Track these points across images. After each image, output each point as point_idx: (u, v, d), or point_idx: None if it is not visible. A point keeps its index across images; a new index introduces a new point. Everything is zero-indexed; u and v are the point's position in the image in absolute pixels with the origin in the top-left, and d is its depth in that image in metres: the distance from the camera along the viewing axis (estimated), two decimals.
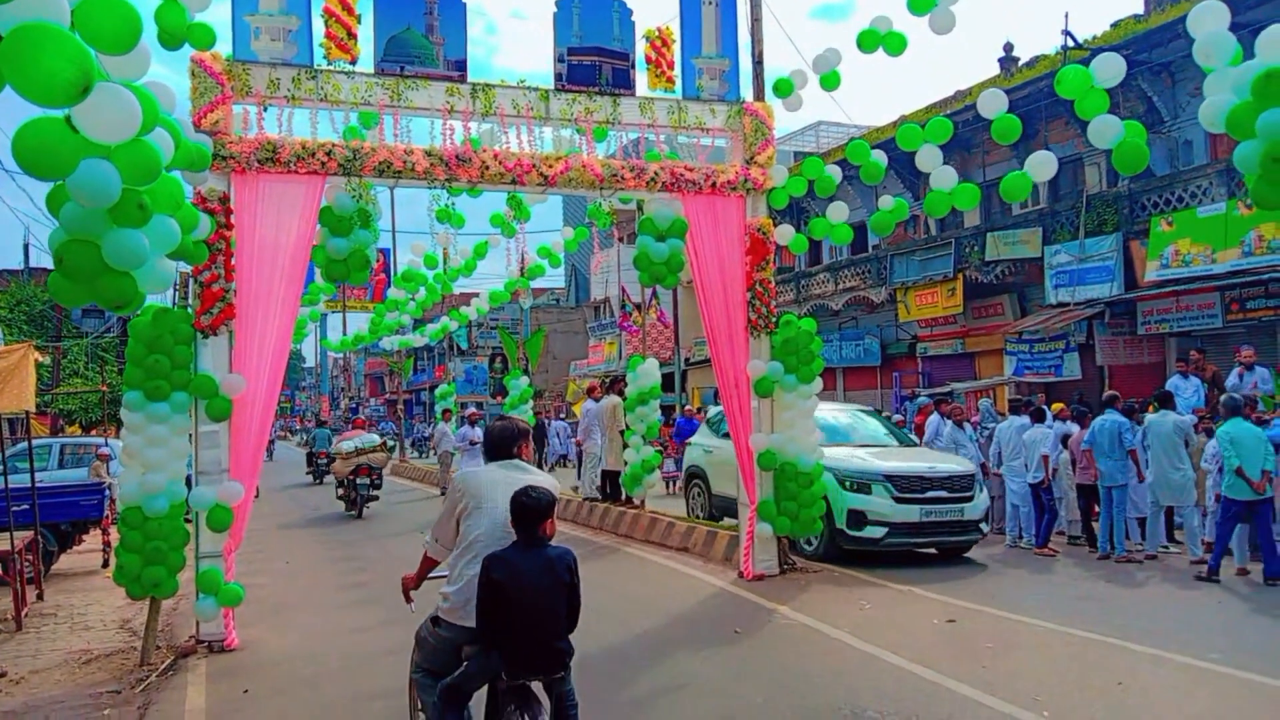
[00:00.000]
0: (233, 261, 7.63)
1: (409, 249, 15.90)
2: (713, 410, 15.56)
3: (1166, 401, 10.68)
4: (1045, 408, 12.13)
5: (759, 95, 11.34)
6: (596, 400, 16.01)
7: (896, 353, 25.29)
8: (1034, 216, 20.11)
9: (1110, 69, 6.78)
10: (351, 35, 8.06)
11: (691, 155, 9.97)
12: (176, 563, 7.24)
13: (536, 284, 18.25)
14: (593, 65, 9.15)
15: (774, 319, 9.87)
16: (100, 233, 4.93)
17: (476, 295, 19.71)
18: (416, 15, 8.48)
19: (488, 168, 8.55)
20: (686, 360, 30.47)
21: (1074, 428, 11.64)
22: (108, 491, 11.64)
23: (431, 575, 4.43)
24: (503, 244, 13.87)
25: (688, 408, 22.05)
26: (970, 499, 10.47)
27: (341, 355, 77.57)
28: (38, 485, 10.10)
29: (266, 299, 7.77)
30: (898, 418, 17.64)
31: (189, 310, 7.70)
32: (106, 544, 11.83)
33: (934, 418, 13.47)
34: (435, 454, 23.81)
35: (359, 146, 8.14)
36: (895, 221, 10.30)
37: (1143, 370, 17.94)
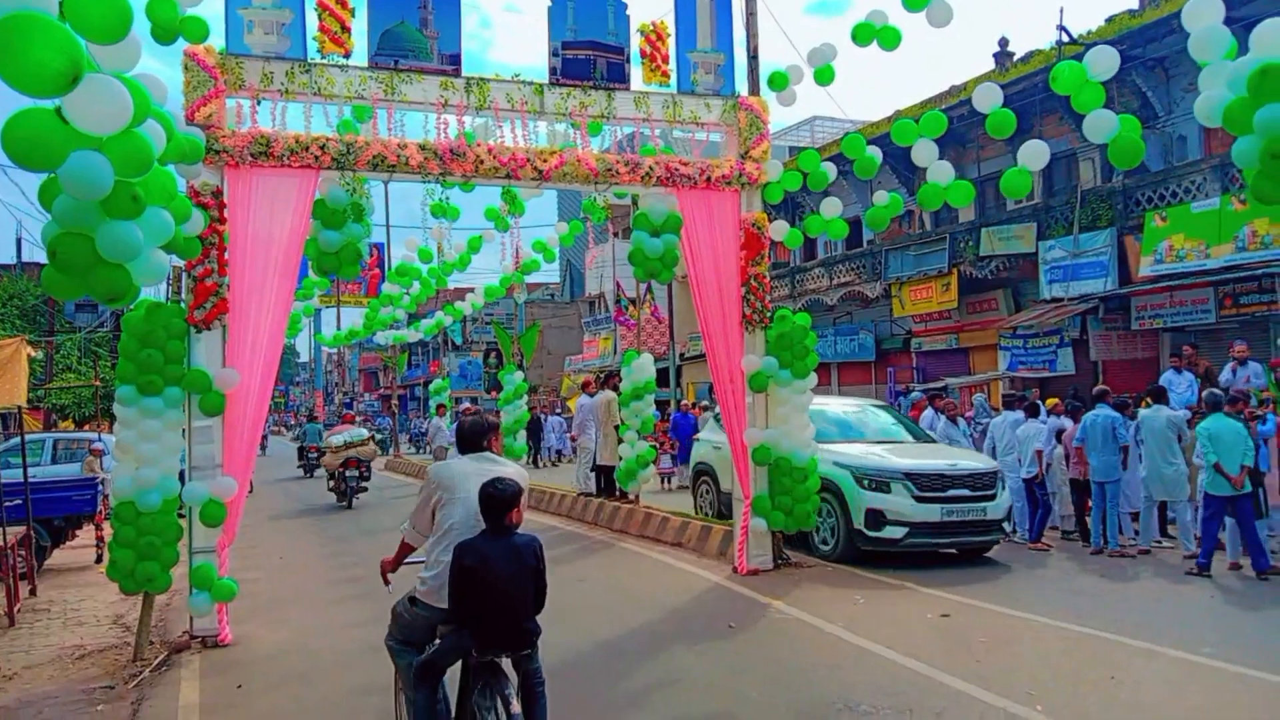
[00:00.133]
0: (226, 256, 7.60)
1: (403, 244, 15.86)
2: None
3: (1160, 396, 10.70)
4: (1039, 403, 12.15)
5: (754, 90, 11.34)
6: (591, 395, 16.00)
7: (891, 348, 25.32)
8: (1028, 212, 20.13)
9: (1104, 61, 6.78)
10: (345, 29, 8.03)
11: (686, 150, 9.96)
12: (170, 558, 7.23)
13: (531, 279, 18.28)
14: (587, 59, 9.12)
15: (769, 314, 9.87)
16: (93, 225, 4.91)
17: (471, 290, 19.70)
18: (410, 9, 8.45)
19: (482, 162, 8.53)
20: (681, 355, 30.46)
21: (1068, 423, 11.65)
22: (101, 486, 11.61)
23: (408, 560, 4.68)
24: (497, 238, 13.85)
25: (684, 403, 22.03)
26: (993, 497, 10.12)
27: (336, 350, 77.44)
28: (30, 480, 10.06)
29: (260, 293, 7.75)
30: None
31: (182, 305, 7.67)
32: (100, 539, 11.80)
33: (928, 413, 13.49)
34: (430, 449, 23.87)
35: (353, 141, 8.12)
36: (890, 217, 10.32)
37: (1136, 365, 17.98)
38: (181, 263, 7.46)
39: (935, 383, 21.65)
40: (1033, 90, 18.43)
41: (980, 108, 8.18)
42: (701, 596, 9.00)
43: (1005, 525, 10.38)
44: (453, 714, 4.40)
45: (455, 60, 8.59)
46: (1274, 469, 10.16)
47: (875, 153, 9.86)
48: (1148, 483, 10.51)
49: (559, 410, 31.85)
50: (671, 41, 9.43)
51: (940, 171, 8.98)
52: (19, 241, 39.51)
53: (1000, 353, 20.83)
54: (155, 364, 7.17)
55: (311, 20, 7.96)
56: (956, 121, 17.68)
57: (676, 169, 9.36)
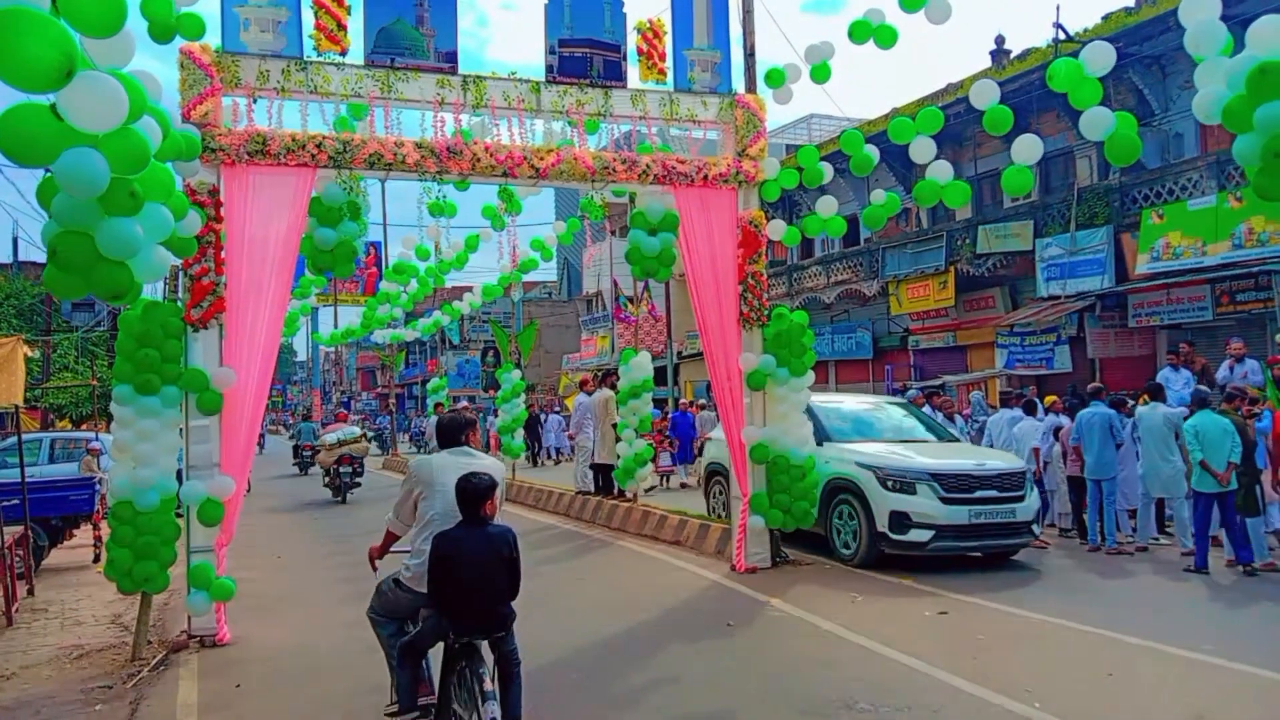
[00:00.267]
0: (222, 254, 7.59)
1: (400, 242, 15.85)
2: None
3: (1157, 394, 10.72)
4: (1036, 400, 12.16)
5: (751, 88, 11.35)
6: (589, 394, 16.00)
7: (888, 346, 25.33)
8: (1025, 209, 20.15)
9: (1101, 58, 6.78)
10: (341, 27, 8.02)
11: (683, 148, 9.96)
12: (167, 557, 7.22)
13: (528, 277, 18.27)
14: (584, 57, 9.12)
15: (766, 312, 9.87)
16: (93, 223, 4.91)
17: (469, 290, 19.68)
18: (407, 7, 8.44)
19: (479, 160, 8.52)
20: (679, 353, 30.46)
21: (1065, 420, 11.67)
22: (98, 486, 11.60)
23: (394, 550, 5.02)
24: (495, 237, 13.83)
25: (682, 401, 22.02)
26: (1022, 498, 9.74)
27: (333, 349, 77.40)
28: (28, 480, 10.05)
29: (257, 292, 7.74)
30: None
31: (179, 304, 7.66)
32: (97, 539, 11.77)
33: (925, 410, 13.50)
34: (429, 448, 23.87)
35: (349, 139, 8.11)
36: (887, 216, 10.32)
37: (1133, 363, 18.01)
38: (178, 261, 7.45)
39: (933, 380, 21.68)
40: (1029, 88, 18.43)
41: (977, 104, 8.17)
42: (700, 595, 9.01)
43: (1035, 527, 10.01)
44: (436, 691, 4.67)
45: (452, 58, 8.58)
46: (1269, 466, 10.18)
47: (872, 150, 9.87)
48: (1145, 480, 10.53)
49: (557, 409, 31.81)
50: (668, 39, 9.43)
51: (939, 170, 8.99)
52: (15, 240, 39.55)
53: (997, 350, 20.86)
54: (152, 363, 7.15)
55: (308, 18, 7.95)
56: (953, 119, 17.63)
57: (673, 167, 9.35)
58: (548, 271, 51.66)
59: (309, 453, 25.24)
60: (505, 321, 40.40)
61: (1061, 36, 18.23)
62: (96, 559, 11.70)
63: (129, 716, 5.90)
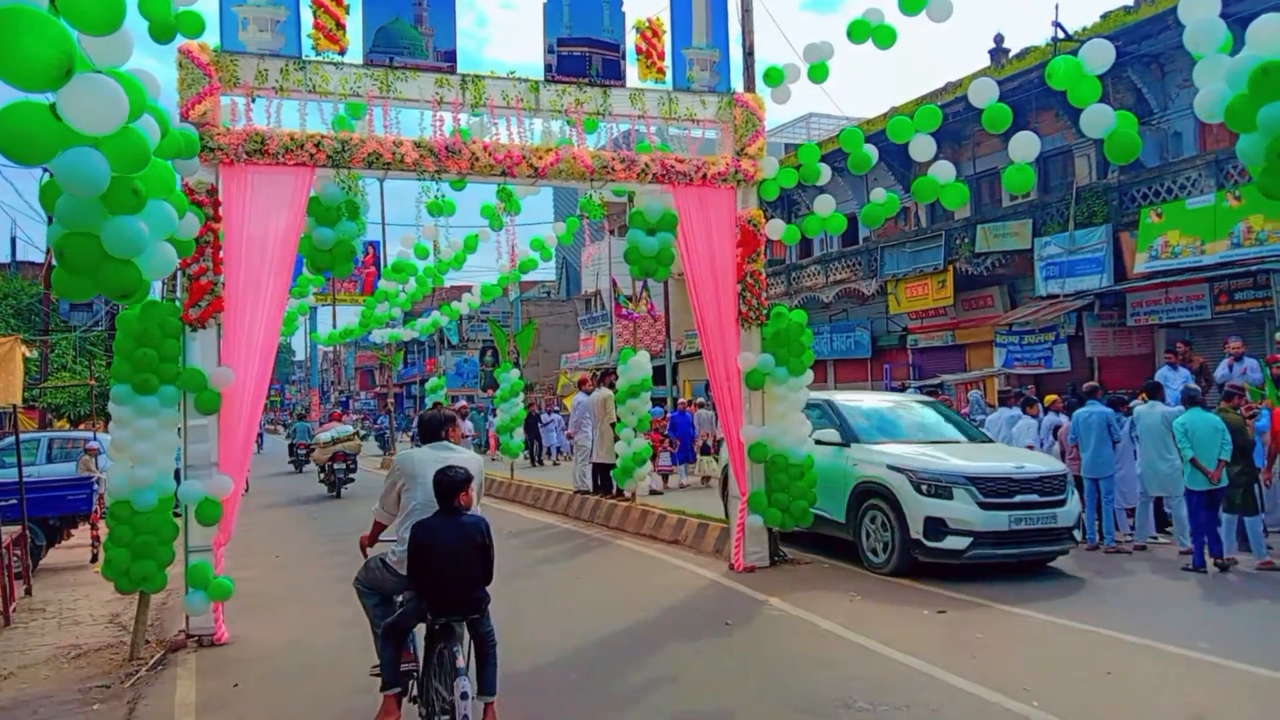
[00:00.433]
0: (221, 254, 7.58)
1: (399, 241, 15.85)
2: None
3: (1155, 392, 10.73)
4: (1035, 398, 12.15)
5: (749, 87, 11.34)
6: (588, 393, 16.00)
7: (887, 345, 25.34)
8: (1024, 208, 20.16)
9: (1100, 56, 6.78)
10: (340, 26, 8.01)
11: (682, 147, 9.95)
12: (165, 557, 7.21)
13: (527, 276, 18.27)
14: (583, 56, 9.11)
15: (765, 311, 9.87)
16: (97, 223, 4.92)
17: (468, 289, 19.67)
18: (405, 6, 8.43)
19: (477, 159, 8.52)
20: (678, 353, 30.45)
21: (1065, 419, 11.68)
22: (96, 486, 11.59)
23: (383, 539, 5.37)
24: (493, 237, 13.83)
25: (682, 400, 22.02)
26: (1063, 502, 9.23)
27: (331, 349, 77.37)
28: (25, 480, 10.03)
29: (255, 292, 7.73)
30: None
31: (177, 303, 7.65)
32: (95, 538, 11.77)
33: None
34: None
35: (348, 138, 8.10)
36: (886, 216, 10.32)
37: (1132, 361, 18.02)
38: (177, 261, 7.43)
39: (931, 380, 21.70)
40: (1028, 87, 18.43)
41: (976, 102, 8.18)
42: (698, 594, 9.00)
43: (1075, 533, 9.52)
44: (420, 666, 5.04)
45: (450, 57, 8.58)
46: (1267, 464, 10.20)
47: (871, 149, 9.88)
48: (1143, 478, 10.53)
49: (556, 408, 31.79)
50: (667, 38, 9.42)
51: (940, 170, 9.00)
52: (13, 240, 39.46)
53: (996, 349, 20.86)
54: (150, 362, 7.14)
55: (306, 17, 7.94)
56: (952, 118, 17.66)
57: (672, 166, 9.35)
58: (546, 271, 51.67)
59: (304, 451, 25.91)
60: (504, 321, 40.42)
61: (1060, 35, 18.24)
62: (94, 558, 11.69)
63: (127, 716, 5.89)
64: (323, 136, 7.98)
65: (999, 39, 22.91)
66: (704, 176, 9.51)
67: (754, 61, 13.68)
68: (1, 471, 13.62)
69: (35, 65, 3.85)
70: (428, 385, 24.94)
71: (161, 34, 6.71)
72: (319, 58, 8.03)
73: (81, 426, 21.76)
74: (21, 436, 11.38)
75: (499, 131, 8.81)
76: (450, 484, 4.68)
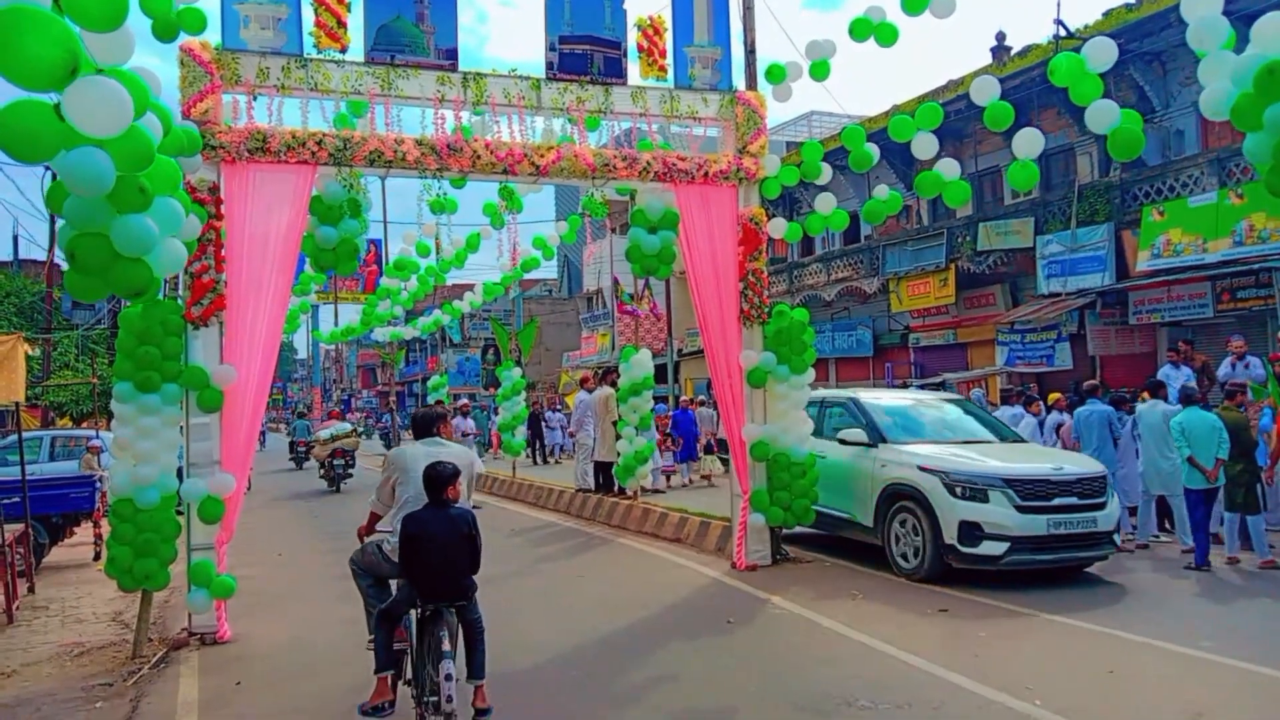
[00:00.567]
0: (223, 252, 7.59)
1: (401, 238, 15.86)
2: None
3: (1158, 391, 10.72)
4: (1036, 396, 12.14)
5: (751, 84, 11.34)
6: (589, 391, 16.00)
7: (889, 343, 25.31)
8: (1026, 206, 20.13)
9: (1102, 53, 6.77)
10: (341, 24, 8.01)
11: (684, 145, 9.95)
12: (168, 555, 7.23)
13: (529, 274, 18.28)
14: (584, 54, 9.10)
15: (766, 309, 9.87)
16: (106, 223, 4.94)
17: (470, 288, 19.68)
18: (407, 4, 8.43)
19: (479, 157, 8.51)
20: (679, 351, 30.44)
21: (1067, 418, 11.67)
22: (99, 484, 11.59)
23: (379, 529, 5.61)
24: (494, 235, 13.82)
25: (684, 398, 22.00)
26: (1103, 505, 8.81)
27: (333, 347, 77.36)
28: (28, 478, 10.04)
29: (257, 290, 7.74)
30: None
31: (179, 301, 7.65)
32: (98, 536, 11.78)
33: None
34: None
35: (349, 136, 8.10)
36: (889, 213, 10.31)
37: (1134, 360, 17.99)
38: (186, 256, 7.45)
39: (933, 378, 21.68)
40: (1030, 84, 18.41)
41: (978, 100, 8.18)
42: (700, 592, 9.01)
43: (1116, 537, 9.07)
44: (414, 647, 5.26)
45: (452, 55, 8.57)
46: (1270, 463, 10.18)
47: (872, 147, 9.87)
48: (1145, 477, 10.52)
49: (558, 407, 31.79)
50: (669, 36, 9.41)
51: (944, 168, 8.99)
52: (15, 239, 39.46)
53: (998, 347, 20.83)
54: (153, 360, 7.15)
55: (308, 15, 7.94)
56: (953, 116, 17.67)
57: (674, 164, 9.34)
58: (548, 269, 51.57)
59: (303, 449, 26.67)
60: (506, 319, 40.42)
61: (1062, 33, 18.20)
62: (97, 556, 11.71)
63: (130, 714, 5.90)
64: (324, 134, 7.98)
65: (1001, 37, 22.89)
66: (705, 174, 9.51)
67: (755, 59, 13.68)
68: (4, 469, 13.65)
69: (40, 65, 3.85)
70: (430, 383, 24.92)
71: (164, 32, 6.72)
72: (320, 56, 8.04)
73: (84, 425, 21.77)
74: (24, 434, 11.39)
75: (500, 129, 8.80)
76: (439, 478, 4.93)
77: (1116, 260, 17.76)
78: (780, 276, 27.36)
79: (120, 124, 4.37)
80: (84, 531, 12.37)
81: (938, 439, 9.90)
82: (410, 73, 8.39)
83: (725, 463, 13.60)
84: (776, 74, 9.64)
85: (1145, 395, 10.89)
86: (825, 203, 10.52)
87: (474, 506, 5.40)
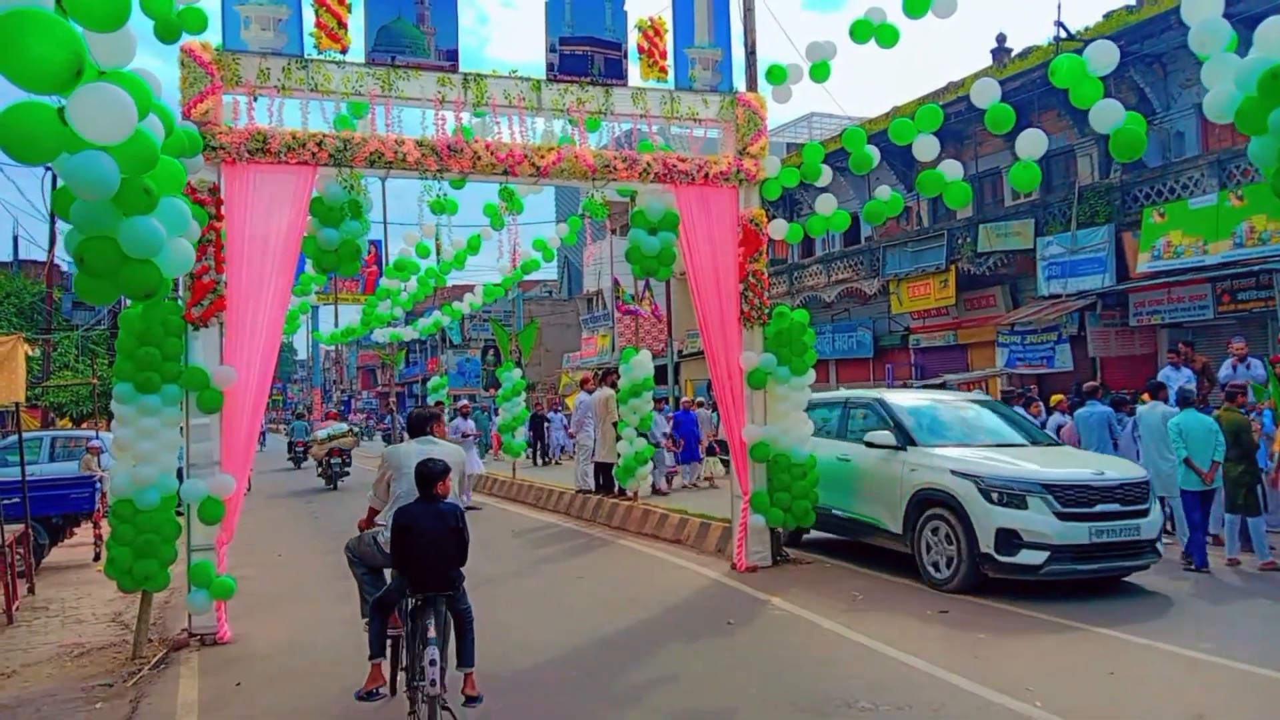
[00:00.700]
0: (223, 253, 7.59)
1: (401, 239, 15.87)
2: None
3: (1158, 393, 10.72)
4: (1036, 398, 12.13)
5: (751, 86, 11.34)
6: (590, 392, 16.00)
7: (889, 345, 25.31)
8: (1026, 208, 20.13)
9: (1104, 57, 6.78)
10: (342, 25, 8.01)
11: (684, 146, 9.94)
12: (168, 556, 7.22)
13: (529, 276, 18.28)
14: (585, 55, 9.10)
15: (767, 310, 9.86)
16: (113, 225, 4.95)
17: (470, 289, 19.69)
18: (407, 5, 8.43)
19: (479, 158, 8.52)
20: (679, 352, 30.45)
21: (1068, 419, 11.66)
22: (99, 484, 11.59)
23: (378, 523, 5.92)
24: (495, 236, 13.83)
25: (685, 399, 22.00)
26: (1146, 512, 8.40)
27: (333, 348, 77.35)
28: (28, 478, 10.04)
29: (257, 290, 7.74)
30: None
31: (179, 302, 7.65)
32: (98, 537, 11.78)
33: None
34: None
35: (350, 137, 8.10)
36: (890, 215, 10.31)
37: (1134, 361, 17.99)
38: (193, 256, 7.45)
39: (933, 379, 21.66)
40: (1030, 86, 18.40)
41: (978, 103, 8.18)
42: (700, 593, 9.00)
43: (1160, 545, 8.64)
44: (407, 634, 5.48)
45: (452, 56, 8.58)
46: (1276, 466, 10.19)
47: (872, 149, 9.87)
48: None
49: (558, 408, 31.79)
50: (669, 37, 9.42)
51: (947, 169, 8.99)
52: (15, 239, 39.47)
53: (998, 349, 20.83)
54: (153, 361, 7.15)
55: (308, 16, 7.95)
56: (954, 118, 17.65)
57: (674, 165, 9.34)
58: (548, 270, 51.55)
59: (301, 448, 27.34)
60: (506, 320, 40.42)
61: (1063, 35, 18.19)
62: (97, 557, 11.70)
63: (129, 714, 5.90)
64: (325, 135, 7.98)
65: (1001, 38, 22.89)
66: (706, 176, 9.51)
67: (756, 60, 13.68)
68: (4, 470, 13.64)
69: (45, 67, 3.85)
70: (430, 384, 24.93)
71: (166, 33, 6.72)
72: (321, 56, 8.04)
73: (84, 425, 21.76)
74: (24, 435, 11.39)
75: (501, 130, 8.81)
76: (429, 474, 5.19)
77: (1117, 262, 17.76)
78: (780, 278, 27.36)
79: (124, 131, 4.37)
80: (84, 532, 12.37)
81: (968, 441, 9.47)
82: (411, 74, 8.39)
83: (727, 464, 13.59)
84: (777, 74, 9.64)
85: (1146, 397, 10.89)
86: (826, 204, 10.52)
87: (474, 507, 5.76)
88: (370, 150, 8.08)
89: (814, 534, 10.83)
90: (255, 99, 7.92)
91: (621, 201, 11.73)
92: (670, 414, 17.73)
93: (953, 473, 8.64)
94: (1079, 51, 7.05)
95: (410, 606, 5.33)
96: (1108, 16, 18.45)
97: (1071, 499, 8.20)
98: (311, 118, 8.11)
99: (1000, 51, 22.68)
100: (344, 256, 8.29)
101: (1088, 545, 8.12)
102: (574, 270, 51.77)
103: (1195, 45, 5.54)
